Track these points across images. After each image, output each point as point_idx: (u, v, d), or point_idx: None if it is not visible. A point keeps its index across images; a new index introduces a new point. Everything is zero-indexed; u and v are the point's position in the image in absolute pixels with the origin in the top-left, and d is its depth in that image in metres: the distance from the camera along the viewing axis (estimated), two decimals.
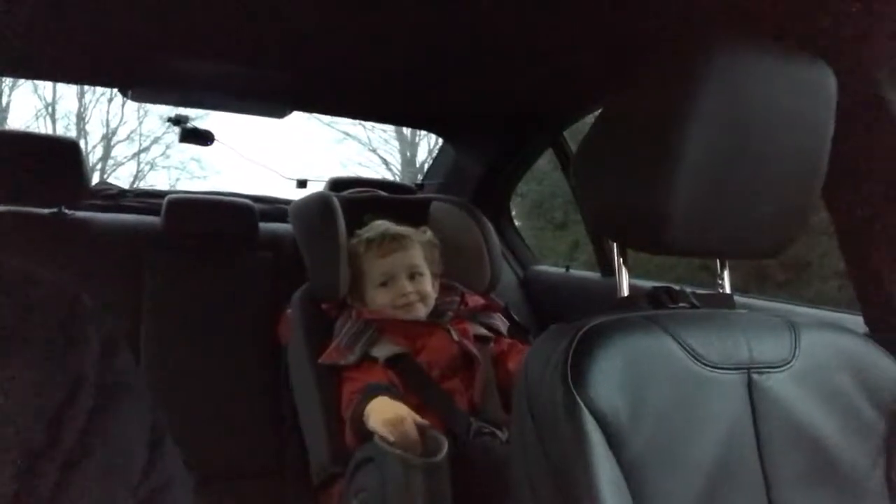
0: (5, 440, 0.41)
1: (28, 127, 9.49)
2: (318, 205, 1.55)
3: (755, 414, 0.73)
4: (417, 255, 1.49)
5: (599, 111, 0.85)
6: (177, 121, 1.86)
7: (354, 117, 3.04)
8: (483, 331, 1.48)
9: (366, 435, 1.23)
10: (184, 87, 1.68)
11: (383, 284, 1.46)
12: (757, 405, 0.73)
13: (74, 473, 0.43)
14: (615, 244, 0.87)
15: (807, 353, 0.77)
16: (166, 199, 1.85)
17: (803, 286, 2.91)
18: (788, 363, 0.76)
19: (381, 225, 1.53)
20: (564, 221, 4.28)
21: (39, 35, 1.24)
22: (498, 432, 1.34)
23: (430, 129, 2.32)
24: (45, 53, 1.41)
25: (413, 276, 1.47)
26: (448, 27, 1.30)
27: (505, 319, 1.55)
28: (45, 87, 9.73)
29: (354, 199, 1.72)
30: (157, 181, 10.75)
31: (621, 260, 0.85)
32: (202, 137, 1.86)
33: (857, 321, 1.02)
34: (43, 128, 9.77)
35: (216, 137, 1.88)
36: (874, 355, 0.80)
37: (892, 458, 0.77)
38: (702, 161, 0.72)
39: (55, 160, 1.66)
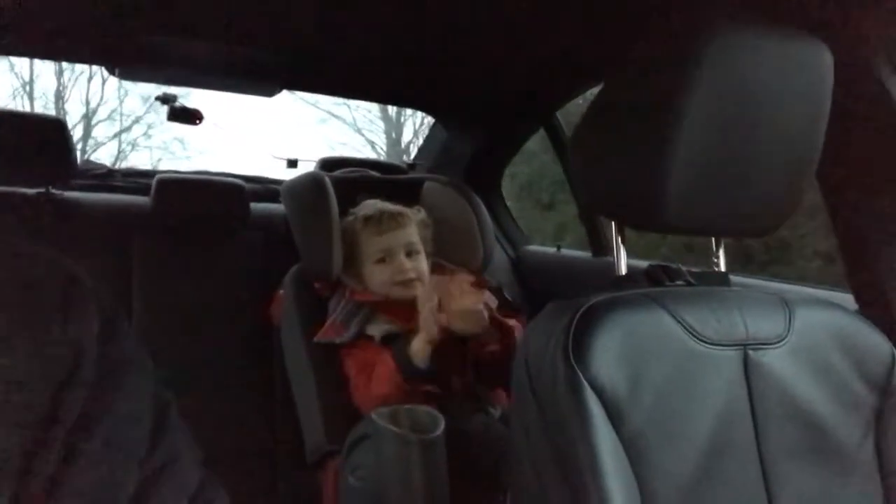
0: (12, 410, 0.41)
1: (5, 107, 9.31)
2: (310, 184, 1.54)
3: (751, 389, 0.74)
4: (414, 234, 1.49)
5: (597, 91, 0.85)
6: (164, 99, 1.83)
7: (346, 96, 3.02)
8: None
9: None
10: (172, 65, 1.66)
11: (381, 261, 1.46)
12: (752, 381, 0.74)
13: (80, 446, 0.43)
14: (613, 223, 0.87)
15: (800, 330, 0.78)
16: (156, 179, 1.83)
17: (786, 265, 2.96)
18: (783, 340, 0.77)
19: (377, 203, 1.52)
20: (551, 202, 4.29)
21: (28, 10, 1.21)
22: (491, 409, 1.35)
23: (421, 109, 2.31)
24: (31, 29, 1.38)
25: (410, 253, 1.47)
26: (440, 4, 1.29)
27: (494, 297, 1.54)
28: (22, 65, 9.55)
29: (346, 178, 1.71)
30: (138, 161, 10.61)
31: (619, 238, 0.86)
32: (191, 116, 1.84)
33: (847, 299, 1.04)
34: (20, 107, 9.58)
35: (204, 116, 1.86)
36: (865, 332, 0.82)
37: (882, 431, 0.79)
38: (698, 140, 0.73)
39: (41, 139, 1.64)
